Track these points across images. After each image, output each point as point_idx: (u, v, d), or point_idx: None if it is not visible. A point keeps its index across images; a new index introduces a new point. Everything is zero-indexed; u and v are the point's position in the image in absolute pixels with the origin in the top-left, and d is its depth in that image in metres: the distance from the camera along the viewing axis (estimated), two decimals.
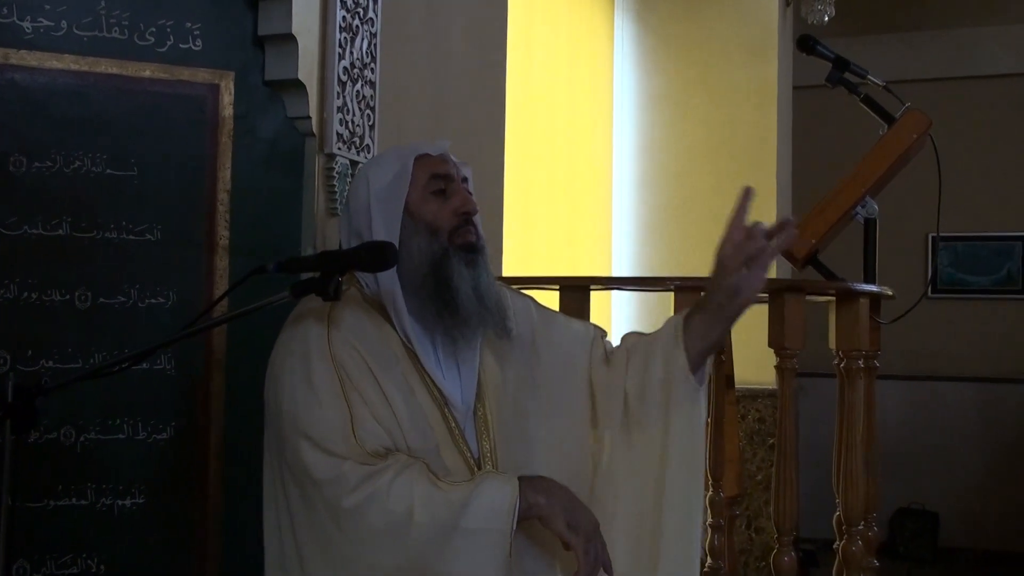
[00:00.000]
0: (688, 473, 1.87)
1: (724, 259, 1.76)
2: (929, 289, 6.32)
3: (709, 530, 3.09)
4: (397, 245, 1.77)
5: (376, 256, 1.72)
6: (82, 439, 2.25)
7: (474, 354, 1.84)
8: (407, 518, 1.63)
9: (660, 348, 1.88)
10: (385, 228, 1.81)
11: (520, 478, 1.67)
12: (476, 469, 1.78)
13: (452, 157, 1.88)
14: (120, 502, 2.27)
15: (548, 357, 1.94)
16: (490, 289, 1.81)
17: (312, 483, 1.70)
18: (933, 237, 6.29)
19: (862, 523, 2.75)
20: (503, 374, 1.88)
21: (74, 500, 2.23)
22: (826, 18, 5.53)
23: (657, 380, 1.88)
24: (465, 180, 1.89)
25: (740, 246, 1.74)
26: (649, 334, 1.95)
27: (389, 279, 1.79)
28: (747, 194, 1.78)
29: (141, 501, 2.29)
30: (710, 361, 1.91)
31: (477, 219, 1.87)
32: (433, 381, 1.80)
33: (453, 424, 1.79)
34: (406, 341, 1.79)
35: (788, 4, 5.71)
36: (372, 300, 1.83)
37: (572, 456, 1.91)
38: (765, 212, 5.32)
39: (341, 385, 1.73)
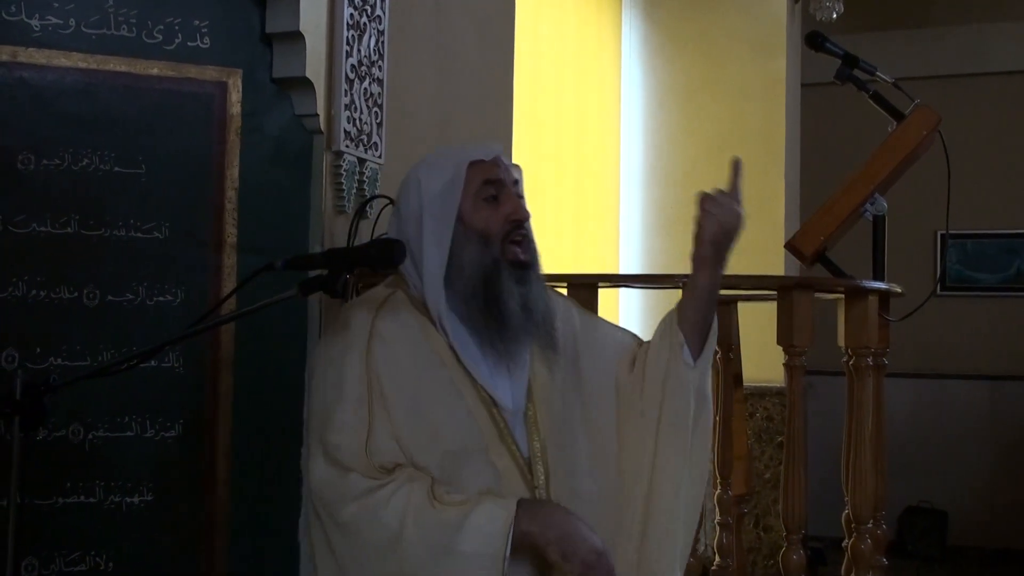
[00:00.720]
0: (679, 456, 1.86)
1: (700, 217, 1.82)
2: (938, 287, 6.30)
3: (717, 528, 3.09)
4: (448, 254, 1.78)
5: (384, 253, 1.73)
6: (90, 437, 2.26)
7: (524, 356, 1.84)
8: (398, 533, 1.63)
9: (658, 334, 1.91)
10: (436, 236, 1.79)
11: (520, 502, 1.66)
12: (526, 470, 1.78)
13: (503, 160, 1.86)
14: (128, 499, 2.28)
15: (587, 359, 1.93)
16: (539, 304, 1.81)
17: (314, 490, 1.72)
18: (942, 234, 6.27)
19: (871, 521, 2.74)
20: (552, 376, 1.87)
21: (82, 498, 2.24)
22: (835, 15, 5.51)
23: (654, 361, 1.89)
24: (516, 183, 1.86)
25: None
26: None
27: (435, 287, 1.79)
28: (736, 167, 1.84)
29: (149, 498, 2.29)
30: (711, 346, 1.90)
31: (528, 224, 1.85)
32: (480, 384, 1.79)
33: (503, 425, 1.78)
34: (452, 345, 1.79)
35: (796, 1, 5.70)
36: (419, 302, 1.83)
37: (607, 455, 1.90)
38: (774, 209, 5.32)
39: (370, 394, 1.73)
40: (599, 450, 1.89)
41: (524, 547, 1.64)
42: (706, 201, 1.80)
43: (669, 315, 1.90)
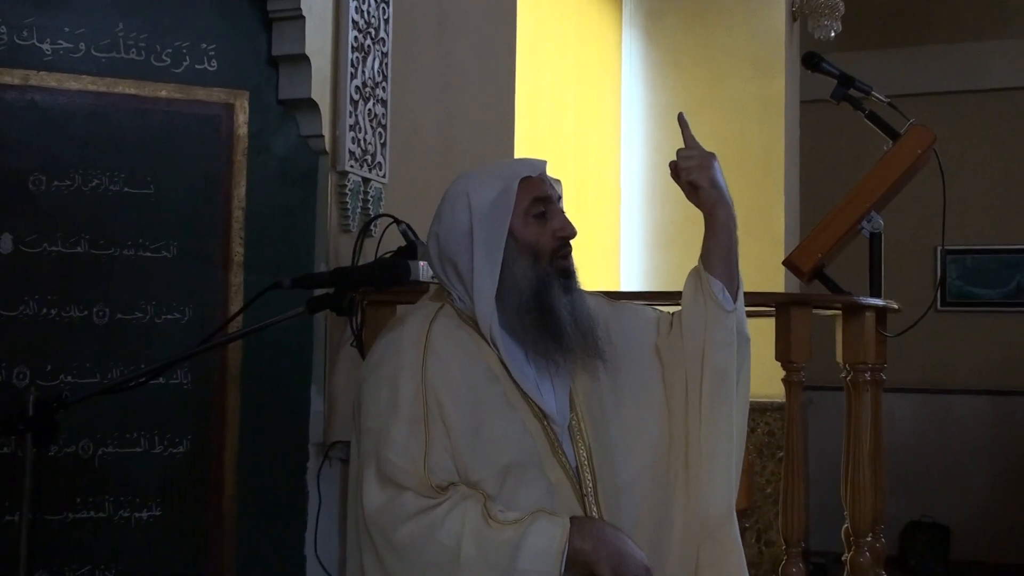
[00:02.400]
0: (725, 385, 1.90)
1: (682, 181, 1.91)
2: (938, 302, 6.32)
3: None
4: (499, 270, 1.80)
5: (389, 273, 1.77)
6: (100, 452, 2.29)
7: (568, 366, 1.86)
8: (456, 552, 1.66)
9: (690, 290, 1.95)
10: (488, 251, 1.81)
11: (572, 520, 1.69)
12: (575, 479, 1.81)
13: (548, 176, 1.89)
14: (137, 514, 2.31)
15: (622, 342, 1.95)
16: (584, 313, 1.84)
17: (367, 514, 1.72)
18: (941, 250, 6.30)
19: (870, 535, 2.76)
20: (592, 384, 1.90)
21: (92, 512, 2.27)
22: (832, 33, 5.57)
23: (692, 315, 1.92)
24: (559, 198, 1.90)
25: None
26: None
27: (487, 301, 1.80)
28: (682, 122, 1.95)
29: (158, 513, 2.33)
30: (741, 286, 1.94)
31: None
32: (531, 398, 1.81)
33: (553, 438, 1.81)
34: (504, 360, 1.81)
35: (795, 19, 5.75)
36: (467, 316, 1.84)
37: (649, 439, 1.92)
38: (774, 225, 5.36)
39: (426, 412, 1.74)
40: (639, 432, 1.91)
41: (576, 564, 1.68)
42: (679, 163, 1.90)
43: (694, 269, 1.94)
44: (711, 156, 1.90)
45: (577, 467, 1.83)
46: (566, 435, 1.84)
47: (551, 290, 1.81)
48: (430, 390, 1.75)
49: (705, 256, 1.93)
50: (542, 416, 1.81)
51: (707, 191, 1.88)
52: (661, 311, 2.03)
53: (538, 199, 1.83)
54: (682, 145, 1.93)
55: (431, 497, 1.69)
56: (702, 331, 1.90)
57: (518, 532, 1.66)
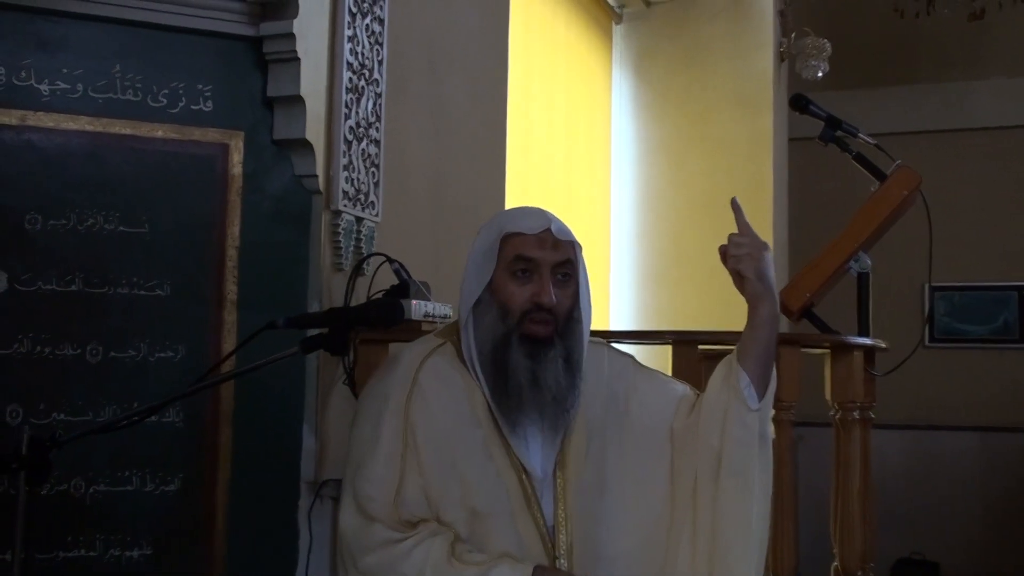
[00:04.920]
0: (741, 502, 1.82)
1: (729, 267, 1.83)
2: (926, 339, 6.36)
3: None
4: (471, 315, 1.80)
5: (383, 314, 1.78)
6: (91, 491, 2.29)
7: (561, 421, 1.82)
8: None
9: (717, 377, 1.88)
10: (467, 297, 1.83)
11: (536, 568, 1.70)
12: (548, 538, 1.79)
13: (552, 235, 1.81)
14: (128, 553, 2.31)
15: (638, 415, 1.92)
16: (551, 381, 1.78)
17: (340, 535, 1.78)
18: (929, 287, 6.34)
19: (860, 572, 2.77)
20: (589, 443, 1.86)
21: (83, 551, 2.27)
22: (820, 73, 5.64)
23: (712, 405, 1.86)
24: (562, 263, 1.82)
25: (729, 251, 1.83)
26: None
27: (467, 346, 1.82)
28: (735, 206, 1.86)
29: (148, 552, 2.32)
30: (772, 387, 1.87)
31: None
32: (511, 448, 1.80)
33: (530, 491, 1.80)
34: (492, 406, 1.81)
35: (783, 60, 5.82)
36: (466, 358, 1.85)
37: (648, 515, 1.88)
38: None
39: (404, 447, 1.77)
40: (639, 506, 1.87)
41: None
42: (729, 248, 1.82)
43: (727, 358, 1.88)
44: (763, 247, 1.82)
45: (554, 526, 1.80)
46: (548, 490, 1.82)
47: (509, 350, 1.78)
48: (410, 426, 1.78)
49: (741, 348, 1.86)
50: (520, 468, 1.80)
51: (752, 283, 1.81)
52: (688, 390, 1.98)
53: (521, 257, 1.80)
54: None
55: (398, 531, 1.72)
56: (720, 424, 1.83)
57: (478, 573, 1.68)
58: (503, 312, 1.79)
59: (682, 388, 1.98)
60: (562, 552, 1.80)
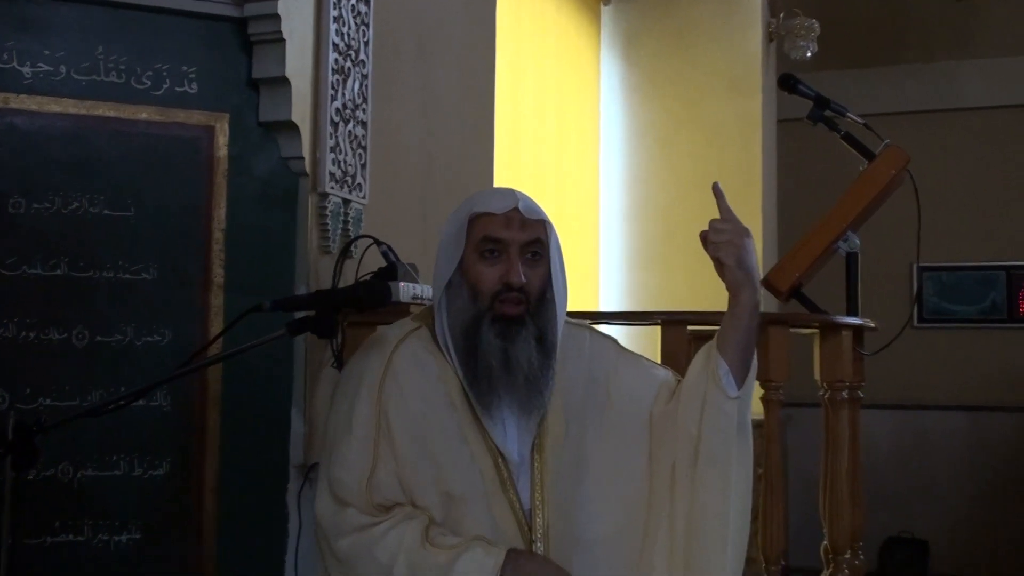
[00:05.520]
0: (719, 492, 1.80)
1: (710, 253, 1.79)
2: (914, 319, 6.38)
3: None
4: (444, 298, 1.79)
5: (370, 295, 1.78)
6: (79, 475, 2.28)
7: (536, 404, 1.80)
8: (389, 570, 1.69)
9: (697, 364, 1.86)
10: (439, 279, 1.82)
11: (509, 552, 1.70)
12: (525, 521, 1.78)
13: (520, 214, 1.79)
14: (116, 538, 2.30)
15: (618, 398, 1.90)
16: (523, 361, 1.77)
17: (316, 519, 1.79)
18: (917, 267, 6.36)
19: (849, 551, 2.78)
20: (567, 426, 1.85)
21: (72, 536, 2.26)
22: (808, 53, 5.64)
23: (690, 393, 1.84)
24: (531, 243, 1.80)
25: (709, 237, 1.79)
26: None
27: (441, 329, 1.81)
28: (717, 191, 1.81)
29: (137, 537, 2.31)
30: (752, 375, 1.85)
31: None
32: (487, 431, 1.79)
33: (505, 475, 1.79)
34: (467, 389, 1.79)
35: (771, 40, 5.81)
36: (440, 341, 1.84)
37: (626, 501, 1.86)
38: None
39: (377, 432, 1.77)
40: (617, 491, 1.86)
41: None
42: (709, 235, 1.79)
43: (707, 345, 1.86)
44: (744, 233, 1.77)
45: (530, 510, 1.79)
46: (525, 473, 1.80)
47: (480, 331, 1.77)
48: (382, 410, 1.78)
49: (720, 335, 1.84)
50: (496, 452, 1.79)
51: (732, 271, 1.77)
52: (669, 375, 1.96)
53: (489, 238, 1.78)
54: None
55: (371, 515, 1.73)
56: (698, 412, 1.81)
57: (450, 557, 1.68)
58: (473, 294, 1.78)
59: (664, 374, 1.96)
60: (539, 536, 1.79)
